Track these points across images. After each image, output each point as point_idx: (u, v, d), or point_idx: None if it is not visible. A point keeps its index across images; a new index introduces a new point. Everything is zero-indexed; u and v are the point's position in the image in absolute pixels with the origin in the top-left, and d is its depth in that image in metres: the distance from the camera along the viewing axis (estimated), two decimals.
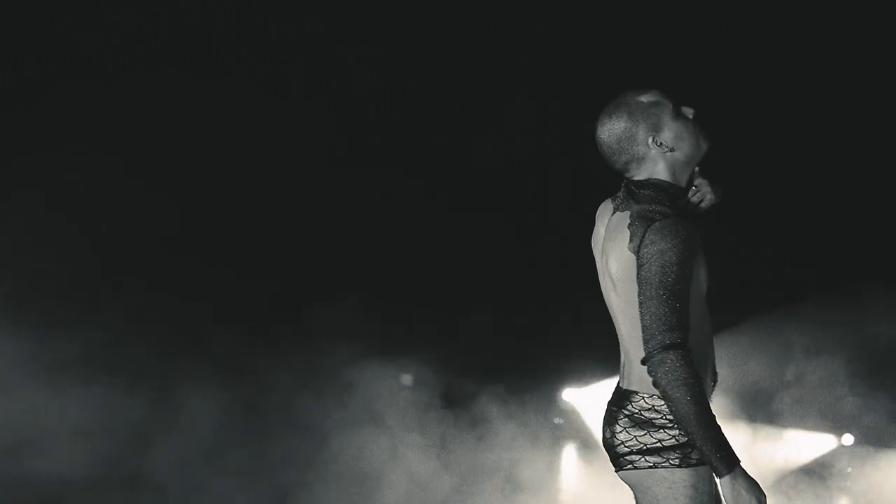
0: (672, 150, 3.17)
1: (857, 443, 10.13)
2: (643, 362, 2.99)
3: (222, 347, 8.34)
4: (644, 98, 3.20)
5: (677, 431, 3.03)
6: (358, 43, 8.67)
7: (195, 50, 8.24)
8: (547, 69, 8.52)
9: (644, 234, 3.01)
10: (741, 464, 2.93)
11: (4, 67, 7.90)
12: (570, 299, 9.02)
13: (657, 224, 3.00)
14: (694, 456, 3.01)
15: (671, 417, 3.03)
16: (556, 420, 9.96)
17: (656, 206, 3.06)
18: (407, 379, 9.43)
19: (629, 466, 3.10)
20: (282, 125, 8.61)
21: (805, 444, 9.81)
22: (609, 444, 3.19)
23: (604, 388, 10.03)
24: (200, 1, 8.12)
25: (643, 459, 3.06)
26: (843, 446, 10.15)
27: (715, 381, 3.22)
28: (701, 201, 3.29)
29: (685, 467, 3.03)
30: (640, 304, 2.99)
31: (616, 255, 3.11)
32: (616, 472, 3.17)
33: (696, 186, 3.29)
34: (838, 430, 9.89)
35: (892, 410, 9.06)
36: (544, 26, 8.47)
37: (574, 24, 8.44)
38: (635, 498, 3.16)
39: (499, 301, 9.34)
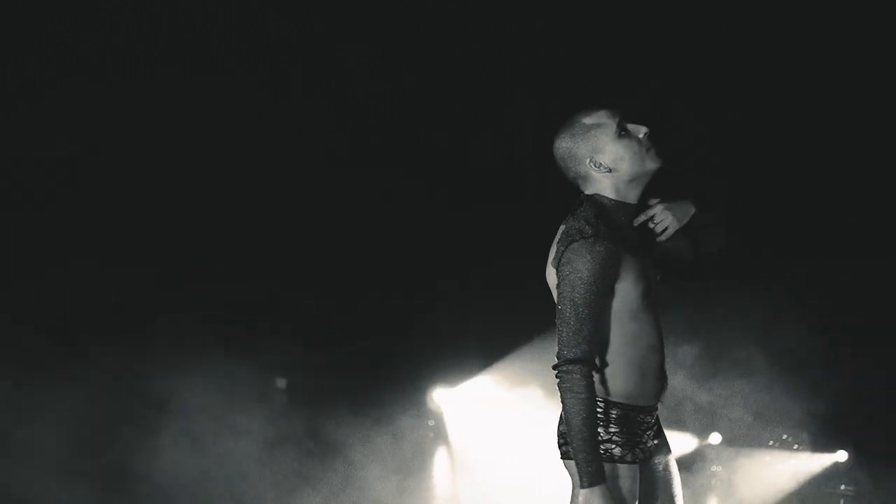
0: (611, 170, 3.32)
1: (724, 442, 10.14)
2: (553, 368, 3.22)
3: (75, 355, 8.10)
4: (588, 119, 3.36)
5: (601, 429, 3.26)
6: (358, 43, 8.67)
7: (195, 50, 8.23)
8: (547, 69, 8.52)
9: (563, 252, 3.21)
10: (605, 486, 3.16)
11: (4, 67, 7.89)
12: (437, 297, 9.04)
13: (575, 244, 3.20)
14: (615, 452, 3.25)
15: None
16: (429, 422, 9.90)
17: (583, 224, 3.23)
18: (281, 382, 9.43)
19: (562, 456, 3.33)
20: (282, 125, 8.61)
21: (672, 443, 9.75)
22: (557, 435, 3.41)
23: (472, 387, 9.89)
24: (200, 1, 8.12)
25: (569, 450, 3.26)
26: (710, 445, 10.15)
27: (662, 388, 3.40)
28: (664, 230, 3.40)
29: (603, 462, 3.24)
30: (556, 316, 3.22)
31: (551, 266, 3.31)
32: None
33: (656, 215, 3.39)
34: (705, 429, 9.89)
35: (757, 409, 9.11)
36: (544, 26, 8.46)
37: (574, 24, 8.44)
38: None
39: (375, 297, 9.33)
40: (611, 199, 3.33)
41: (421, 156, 9.01)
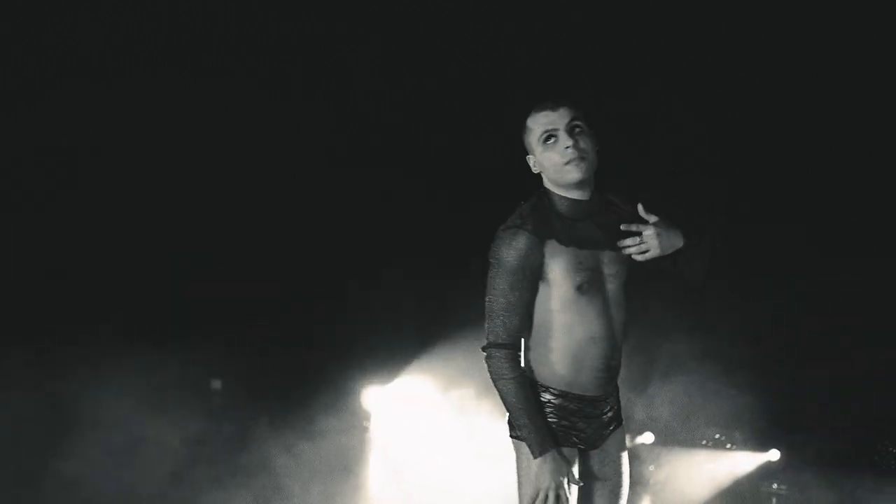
0: (540, 172, 3.49)
1: (656, 441, 10.11)
2: (482, 350, 3.36)
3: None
4: (529, 120, 3.54)
5: None
6: (358, 43, 8.67)
7: (195, 50, 8.23)
8: (547, 69, 8.52)
9: (493, 241, 3.35)
10: (555, 451, 3.30)
11: (4, 67, 7.89)
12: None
13: (499, 234, 3.34)
14: None
15: None
16: (365, 424, 9.75)
17: (515, 216, 3.38)
18: (216, 384, 9.36)
19: (510, 434, 3.41)
20: (282, 125, 8.61)
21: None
22: None
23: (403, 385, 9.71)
24: (200, 1, 8.11)
25: (511, 431, 3.40)
26: (643, 445, 10.12)
27: (606, 380, 3.45)
28: (645, 251, 3.39)
29: None
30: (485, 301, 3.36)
31: None
32: None
33: (644, 234, 3.39)
34: (638, 428, 9.85)
35: (690, 409, 9.10)
36: (544, 26, 8.46)
37: (574, 24, 8.44)
38: None
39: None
40: (557, 194, 3.42)
41: (421, 156, 9.01)
